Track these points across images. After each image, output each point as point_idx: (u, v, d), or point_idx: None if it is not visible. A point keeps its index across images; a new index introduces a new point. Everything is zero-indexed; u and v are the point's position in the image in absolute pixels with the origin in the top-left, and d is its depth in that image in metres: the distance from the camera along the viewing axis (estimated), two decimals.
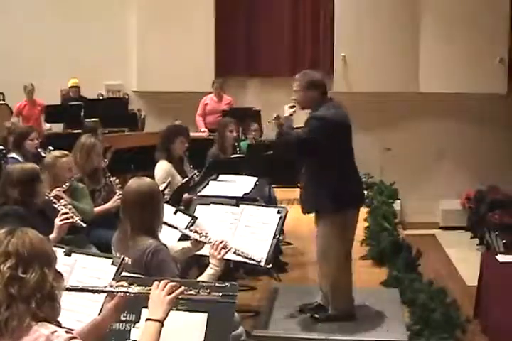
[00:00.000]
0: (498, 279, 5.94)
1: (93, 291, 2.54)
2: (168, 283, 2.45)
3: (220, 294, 2.54)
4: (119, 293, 2.52)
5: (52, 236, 3.82)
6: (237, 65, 11.47)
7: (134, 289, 2.50)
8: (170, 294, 2.43)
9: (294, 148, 4.87)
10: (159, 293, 2.42)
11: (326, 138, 4.74)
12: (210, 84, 10.11)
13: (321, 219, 4.93)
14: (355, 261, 6.64)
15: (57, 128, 10.02)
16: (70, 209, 4.41)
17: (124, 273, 3.17)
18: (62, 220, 4.02)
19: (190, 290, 2.49)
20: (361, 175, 10.23)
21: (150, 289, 2.46)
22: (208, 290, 2.51)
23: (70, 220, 4.07)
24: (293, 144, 4.84)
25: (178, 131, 6.55)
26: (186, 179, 6.02)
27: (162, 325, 2.37)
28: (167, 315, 2.39)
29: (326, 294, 5.05)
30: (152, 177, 5.71)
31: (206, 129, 9.69)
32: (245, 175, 6.10)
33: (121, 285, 2.53)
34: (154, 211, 3.66)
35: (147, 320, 2.39)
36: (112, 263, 3.31)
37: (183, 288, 2.46)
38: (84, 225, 4.37)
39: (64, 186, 4.88)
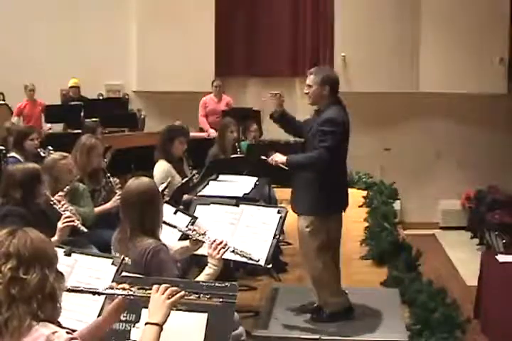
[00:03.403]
0: (498, 279, 5.93)
1: (94, 293, 2.54)
2: (168, 287, 2.45)
3: (220, 300, 2.54)
4: (120, 296, 2.52)
5: (54, 239, 3.80)
6: (237, 65, 11.48)
7: (135, 292, 2.50)
8: (170, 298, 2.43)
9: (324, 162, 4.78)
10: (159, 296, 2.42)
11: (339, 142, 4.79)
12: (210, 84, 10.10)
13: (303, 220, 4.94)
14: (355, 261, 6.70)
15: (58, 128, 10.01)
16: (71, 211, 4.41)
17: (124, 273, 3.17)
18: (64, 223, 4.01)
19: (191, 295, 2.49)
20: (361, 175, 10.36)
21: (150, 293, 2.46)
22: (209, 296, 2.51)
23: (72, 223, 4.07)
24: (320, 161, 4.76)
25: (177, 131, 6.55)
26: (186, 179, 6.02)
27: (161, 329, 2.37)
28: (166, 319, 2.39)
29: (316, 292, 5.06)
30: (152, 177, 5.71)
31: (213, 130, 9.65)
32: (245, 175, 6.10)
33: (122, 288, 2.52)
34: (154, 211, 3.66)
35: (146, 323, 2.39)
36: (112, 263, 3.31)
37: (183, 292, 2.46)
38: (86, 230, 4.37)
39: (65, 190, 4.86)
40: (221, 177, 5.85)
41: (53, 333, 2.13)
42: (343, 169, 5.02)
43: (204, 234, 3.89)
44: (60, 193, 4.76)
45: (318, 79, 4.87)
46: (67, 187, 4.92)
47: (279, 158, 4.86)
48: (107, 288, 2.55)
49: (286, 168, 4.83)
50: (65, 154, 5.27)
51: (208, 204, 4.75)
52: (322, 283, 4.98)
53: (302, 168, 4.88)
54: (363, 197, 9.20)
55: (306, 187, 4.88)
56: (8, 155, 6.76)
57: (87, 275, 3.33)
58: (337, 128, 4.79)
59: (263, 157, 5.06)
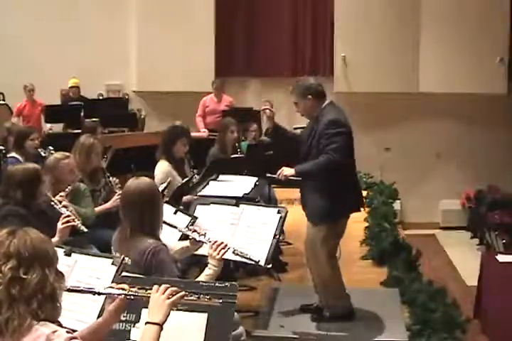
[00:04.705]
0: (498, 279, 5.93)
1: (93, 293, 2.54)
2: (168, 287, 2.45)
3: (221, 300, 2.54)
4: (120, 296, 2.52)
5: (54, 239, 3.80)
6: (237, 65, 11.49)
7: (135, 292, 2.50)
8: (170, 298, 2.42)
9: (335, 164, 4.75)
10: (159, 296, 2.42)
11: (347, 142, 4.78)
12: (210, 84, 10.09)
13: (314, 227, 4.93)
14: (355, 261, 6.70)
15: (58, 128, 10.01)
16: (71, 211, 4.40)
17: (124, 273, 3.17)
18: (64, 223, 4.01)
19: (191, 295, 2.49)
20: (361, 175, 10.36)
21: (150, 293, 2.45)
22: (209, 296, 2.51)
23: (72, 223, 4.06)
24: (331, 164, 4.73)
25: (179, 132, 6.52)
26: (186, 179, 6.02)
27: (161, 329, 2.37)
28: (166, 319, 2.39)
29: (320, 295, 5.06)
30: (152, 177, 5.70)
31: (206, 130, 9.69)
32: (245, 175, 6.10)
33: (122, 288, 2.53)
34: (153, 211, 3.65)
35: (146, 323, 2.39)
36: (112, 263, 3.31)
37: (183, 292, 2.46)
38: (86, 230, 4.36)
39: (66, 190, 4.86)
40: (221, 177, 5.84)
41: (53, 332, 2.14)
42: (350, 171, 4.99)
43: (204, 234, 3.89)
44: (62, 193, 4.76)
45: (297, 94, 4.88)
46: (69, 187, 4.92)
47: (287, 171, 4.81)
48: (107, 288, 2.55)
49: (299, 178, 4.79)
50: (67, 154, 5.26)
51: (208, 204, 4.75)
52: (329, 287, 4.99)
53: (314, 175, 4.83)
54: (363, 197, 9.19)
55: (312, 195, 4.87)
56: (8, 155, 6.75)
57: (87, 275, 3.32)
58: (343, 128, 4.79)
59: (270, 174, 5.05)
